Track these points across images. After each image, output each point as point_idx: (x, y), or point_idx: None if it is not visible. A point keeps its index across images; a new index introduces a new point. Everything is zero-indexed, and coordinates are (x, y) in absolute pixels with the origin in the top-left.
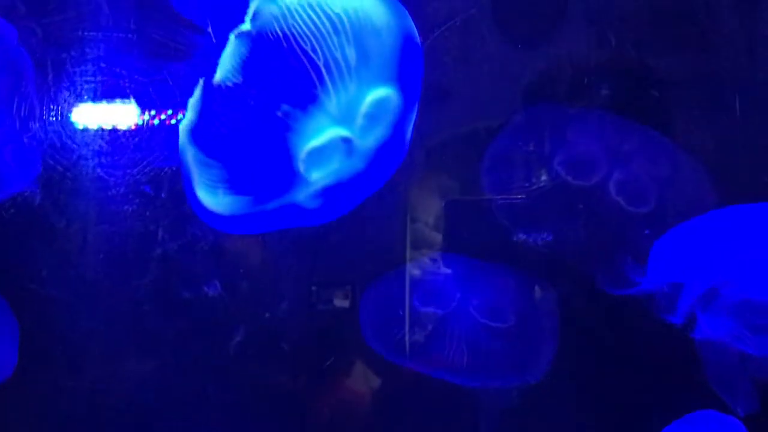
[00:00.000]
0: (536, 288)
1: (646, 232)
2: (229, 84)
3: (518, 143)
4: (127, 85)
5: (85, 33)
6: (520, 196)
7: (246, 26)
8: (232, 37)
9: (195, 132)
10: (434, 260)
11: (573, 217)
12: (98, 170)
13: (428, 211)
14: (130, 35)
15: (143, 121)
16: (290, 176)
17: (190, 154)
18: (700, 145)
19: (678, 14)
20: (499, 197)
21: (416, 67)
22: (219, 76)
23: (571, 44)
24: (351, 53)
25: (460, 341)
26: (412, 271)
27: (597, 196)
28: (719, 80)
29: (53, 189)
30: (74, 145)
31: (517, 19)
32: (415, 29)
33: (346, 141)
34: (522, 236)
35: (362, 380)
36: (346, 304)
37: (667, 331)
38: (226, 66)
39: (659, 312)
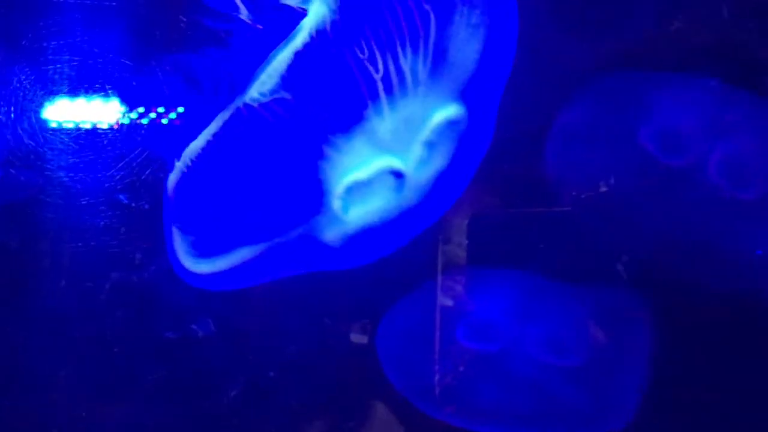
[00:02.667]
0: (617, 308)
1: (758, 252)
2: (255, 105)
3: (595, 114)
4: (102, 70)
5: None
6: (567, 209)
7: (296, 40)
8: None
9: (192, 181)
10: (476, 283)
11: (664, 206)
12: (61, 174)
13: (463, 228)
14: (112, 2)
15: (119, 114)
16: (318, 212)
17: (179, 216)
18: None
19: None
20: (544, 209)
21: (500, 75)
22: (245, 97)
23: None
24: (424, 64)
25: (518, 384)
26: (445, 301)
27: (694, 179)
28: None
29: (4, 198)
30: (31, 144)
31: None
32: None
33: (396, 174)
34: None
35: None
36: (364, 340)
37: None
38: (259, 85)
39: None
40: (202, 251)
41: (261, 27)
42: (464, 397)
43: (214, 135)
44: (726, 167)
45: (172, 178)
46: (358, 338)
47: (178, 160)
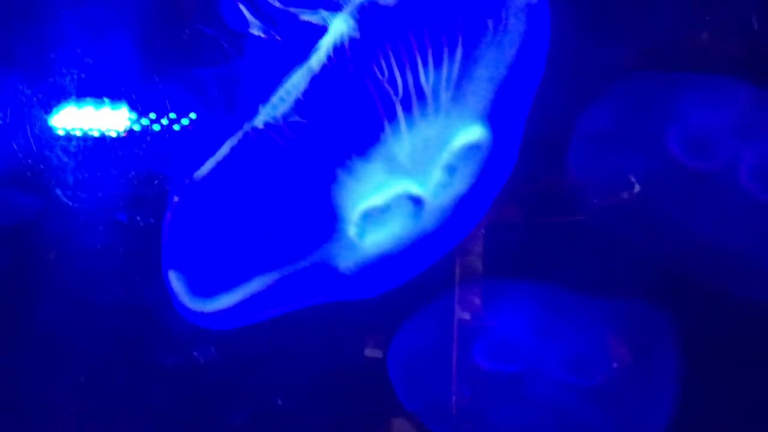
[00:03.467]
0: (642, 322)
1: None
2: (266, 129)
3: (619, 116)
4: (105, 82)
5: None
6: (589, 217)
7: (313, 61)
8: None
9: (195, 214)
10: (495, 297)
11: (692, 211)
12: (57, 192)
13: (480, 238)
14: (119, 13)
15: (122, 129)
16: (332, 239)
17: (179, 255)
18: None
19: None
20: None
21: (527, 95)
22: (256, 121)
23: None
24: (447, 86)
25: (538, 406)
26: (463, 315)
27: (723, 183)
28: None
29: (3, 220)
30: (26, 160)
31: None
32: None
33: (414, 200)
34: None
35: None
36: (379, 354)
37: None
38: (271, 108)
39: None
40: (207, 289)
41: (279, 40)
42: (481, 418)
43: (221, 162)
44: (757, 171)
45: (170, 216)
46: (372, 353)
47: (178, 194)
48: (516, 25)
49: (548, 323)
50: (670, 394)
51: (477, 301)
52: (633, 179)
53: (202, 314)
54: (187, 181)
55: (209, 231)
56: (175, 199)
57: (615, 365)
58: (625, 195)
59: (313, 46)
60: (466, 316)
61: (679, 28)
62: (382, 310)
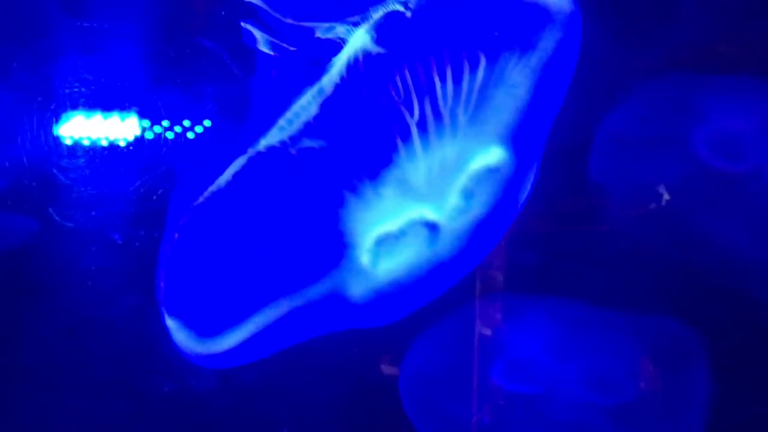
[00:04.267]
0: (671, 335)
1: None
2: (274, 152)
3: (643, 119)
4: (95, 94)
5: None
6: (615, 227)
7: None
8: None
9: (195, 249)
10: (516, 313)
11: (721, 217)
12: (50, 210)
13: (501, 250)
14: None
15: (118, 143)
16: (344, 267)
17: (178, 296)
18: None
19: None
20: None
21: (550, 115)
22: (262, 144)
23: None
24: (466, 108)
25: (561, 427)
26: (483, 331)
27: (753, 187)
28: None
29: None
30: (19, 179)
31: None
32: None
33: (430, 226)
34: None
35: None
36: (396, 371)
37: None
38: (279, 131)
39: None
40: (212, 329)
41: (289, 58)
42: None
43: (223, 190)
44: None
45: (169, 253)
46: (389, 370)
47: (177, 231)
48: (546, 42)
49: (572, 341)
50: (700, 414)
51: (497, 316)
52: (662, 189)
53: (208, 356)
54: (186, 213)
55: (212, 265)
56: (175, 236)
57: (642, 384)
58: (652, 203)
59: (325, 64)
60: (486, 332)
61: (705, 30)
62: (398, 326)
